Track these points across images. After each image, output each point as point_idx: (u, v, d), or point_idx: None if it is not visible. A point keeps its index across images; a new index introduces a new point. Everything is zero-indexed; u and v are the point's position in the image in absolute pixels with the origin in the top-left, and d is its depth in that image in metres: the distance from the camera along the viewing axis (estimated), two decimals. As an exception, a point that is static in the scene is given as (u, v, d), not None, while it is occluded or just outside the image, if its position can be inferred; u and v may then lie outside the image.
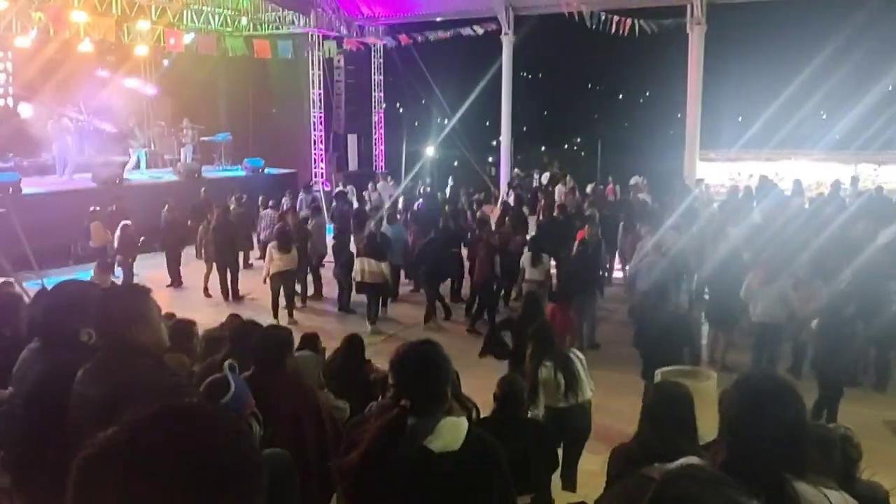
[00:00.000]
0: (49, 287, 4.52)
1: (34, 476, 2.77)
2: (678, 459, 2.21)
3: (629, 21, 18.68)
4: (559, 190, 18.86)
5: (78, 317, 3.03)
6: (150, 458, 1.00)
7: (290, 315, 11.53)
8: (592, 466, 5.91)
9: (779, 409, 1.97)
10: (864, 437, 3.87)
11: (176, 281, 13.84)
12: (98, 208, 14.10)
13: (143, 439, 1.02)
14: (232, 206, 14.71)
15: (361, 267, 11.21)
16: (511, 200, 17.02)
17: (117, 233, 13.20)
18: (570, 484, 5.71)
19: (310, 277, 13.15)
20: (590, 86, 39.57)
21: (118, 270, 12.97)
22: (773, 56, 22.35)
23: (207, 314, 9.80)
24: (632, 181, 18.67)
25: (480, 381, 5.66)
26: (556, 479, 5.12)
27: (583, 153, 33.70)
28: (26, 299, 5.79)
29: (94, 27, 17.16)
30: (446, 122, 24.18)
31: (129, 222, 13.46)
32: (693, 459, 2.04)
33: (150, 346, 2.75)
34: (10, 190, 14.62)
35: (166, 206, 15.05)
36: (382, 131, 25.66)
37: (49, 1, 16.19)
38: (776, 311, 8.73)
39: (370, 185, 20.03)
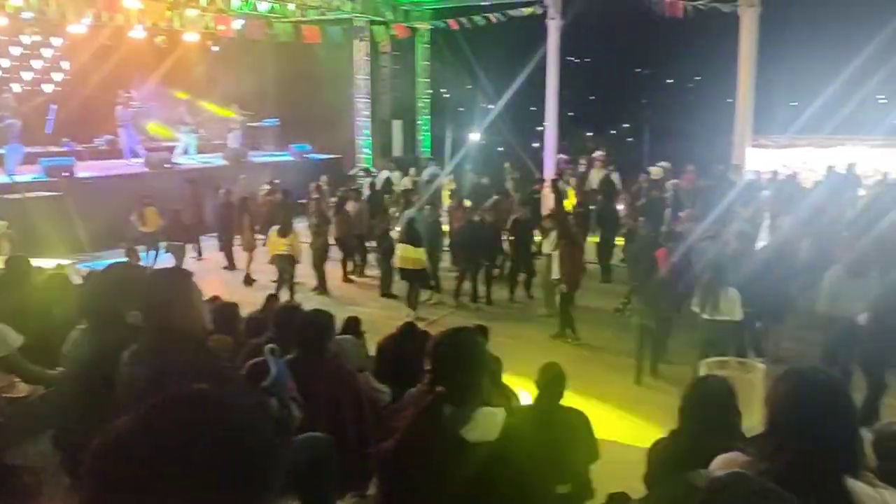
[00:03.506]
0: (98, 270, 4.62)
1: (82, 456, 2.84)
2: (716, 457, 2.14)
3: (681, 2, 18.26)
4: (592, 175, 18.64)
5: (124, 299, 3.09)
6: (161, 446, 1.01)
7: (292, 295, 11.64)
8: (633, 456, 5.84)
9: (831, 404, 1.89)
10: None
11: (231, 264, 14.00)
12: (150, 195, 14.27)
13: (155, 427, 1.03)
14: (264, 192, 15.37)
15: (399, 253, 11.30)
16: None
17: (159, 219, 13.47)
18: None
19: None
20: (638, 70, 38.68)
21: (167, 255, 13.28)
22: (830, 37, 21.42)
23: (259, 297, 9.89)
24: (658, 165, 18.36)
25: (527, 367, 5.61)
26: (596, 468, 5.06)
27: (630, 139, 33.04)
28: (78, 281, 5.96)
29: (145, 14, 17.44)
30: (491, 107, 23.99)
31: (179, 208, 13.73)
32: (736, 456, 1.98)
33: (192, 329, 2.79)
34: (65, 174, 15.00)
35: (222, 191, 14.71)
36: (427, 117, 25.61)
37: (102, -13, 16.48)
38: (858, 307, 7.83)
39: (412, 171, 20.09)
